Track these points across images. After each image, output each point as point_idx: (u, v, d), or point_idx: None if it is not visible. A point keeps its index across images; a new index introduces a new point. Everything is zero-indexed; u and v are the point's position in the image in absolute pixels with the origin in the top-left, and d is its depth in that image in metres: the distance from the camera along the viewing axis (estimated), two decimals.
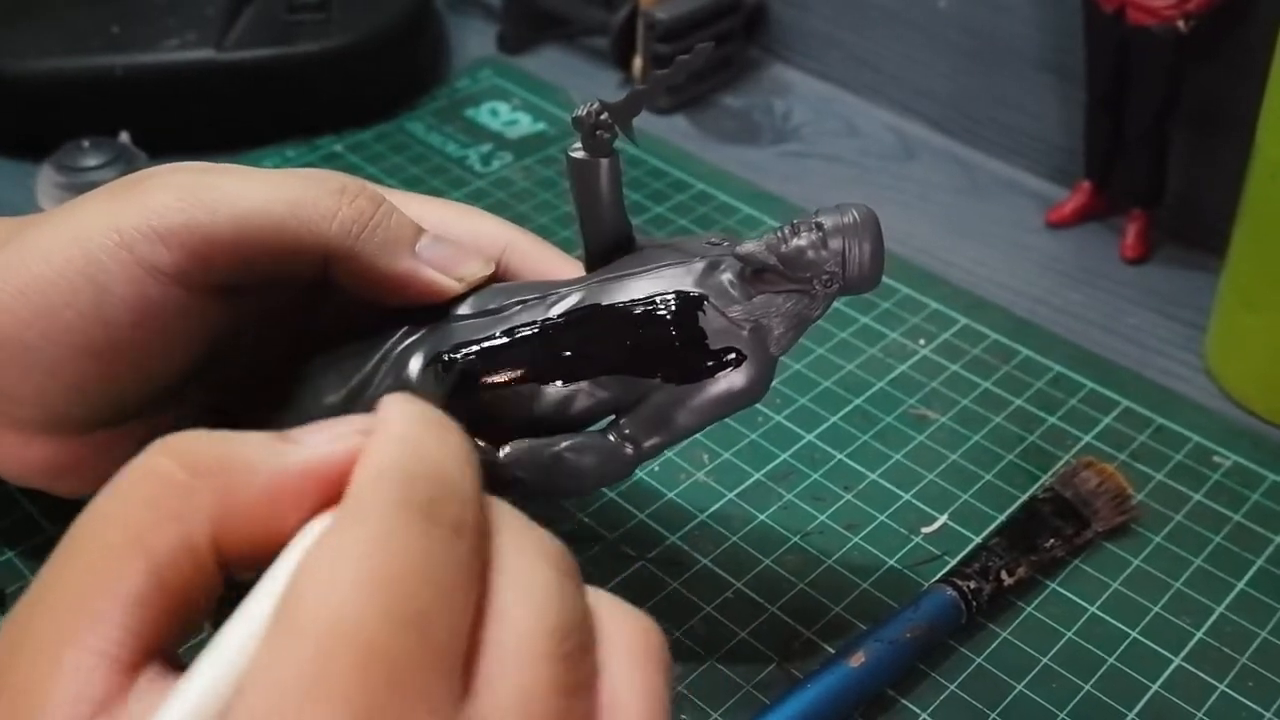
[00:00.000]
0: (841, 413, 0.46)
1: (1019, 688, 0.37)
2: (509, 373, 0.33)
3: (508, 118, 0.64)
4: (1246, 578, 0.40)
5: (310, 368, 0.36)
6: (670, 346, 0.33)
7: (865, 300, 0.51)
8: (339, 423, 0.24)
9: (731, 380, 0.33)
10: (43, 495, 0.37)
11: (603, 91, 0.65)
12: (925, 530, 0.42)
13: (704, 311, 0.33)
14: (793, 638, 0.38)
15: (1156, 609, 0.39)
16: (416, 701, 0.20)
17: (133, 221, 0.32)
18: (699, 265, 0.33)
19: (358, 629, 0.20)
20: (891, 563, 0.40)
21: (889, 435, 0.45)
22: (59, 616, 0.21)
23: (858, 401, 0.47)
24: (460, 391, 0.33)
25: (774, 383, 0.34)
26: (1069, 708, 0.36)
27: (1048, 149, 0.60)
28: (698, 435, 0.34)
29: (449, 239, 0.35)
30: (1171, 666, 0.38)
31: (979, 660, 0.38)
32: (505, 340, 0.33)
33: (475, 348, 0.33)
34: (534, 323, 0.33)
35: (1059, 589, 0.40)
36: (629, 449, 0.33)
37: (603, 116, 0.33)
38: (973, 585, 0.38)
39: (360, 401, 0.34)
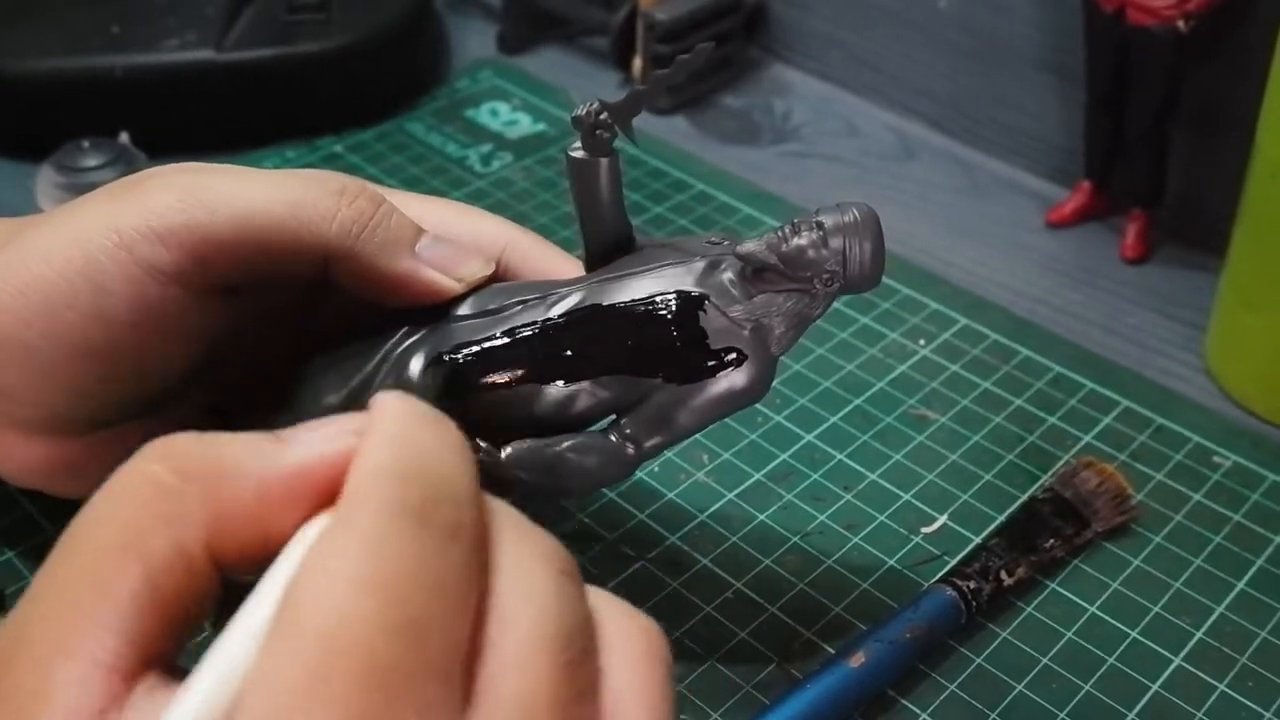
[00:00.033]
0: (841, 413, 0.46)
1: (1019, 688, 0.37)
2: (510, 373, 0.33)
3: (508, 118, 0.64)
4: (1246, 578, 0.40)
5: (310, 368, 0.35)
6: (671, 346, 0.33)
7: (865, 300, 0.51)
8: (332, 422, 0.23)
9: (732, 380, 0.33)
10: (43, 495, 0.37)
11: (603, 92, 0.65)
12: (925, 530, 0.42)
13: (705, 311, 0.33)
14: (793, 638, 0.38)
15: (1156, 609, 0.39)
16: (415, 707, 0.20)
17: (132, 222, 0.32)
18: (700, 265, 0.33)
19: (354, 635, 0.20)
20: (891, 563, 0.40)
21: (889, 435, 0.45)
22: (53, 625, 0.21)
23: (858, 402, 0.47)
24: (454, 390, 0.33)
25: (774, 383, 0.34)
26: (1069, 708, 0.36)
27: (1048, 149, 0.60)
28: (698, 435, 0.34)
29: (449, 239, 0.35)
30: (1171, 667, 0.38)
31: (979, 660, 0.38)
32: (506, 340, 0.33)
33: (476, 348, 0.33)
34: (535, 323, 0.33)
35: (1059, 589, 0.40)
36: (630, 449, 0.33)
37: (603, 116, 0.33)
38: (973, 585, 0.38)
39: (361, 402, 0.33)
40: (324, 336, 0.36)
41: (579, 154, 0.33)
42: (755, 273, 0.33)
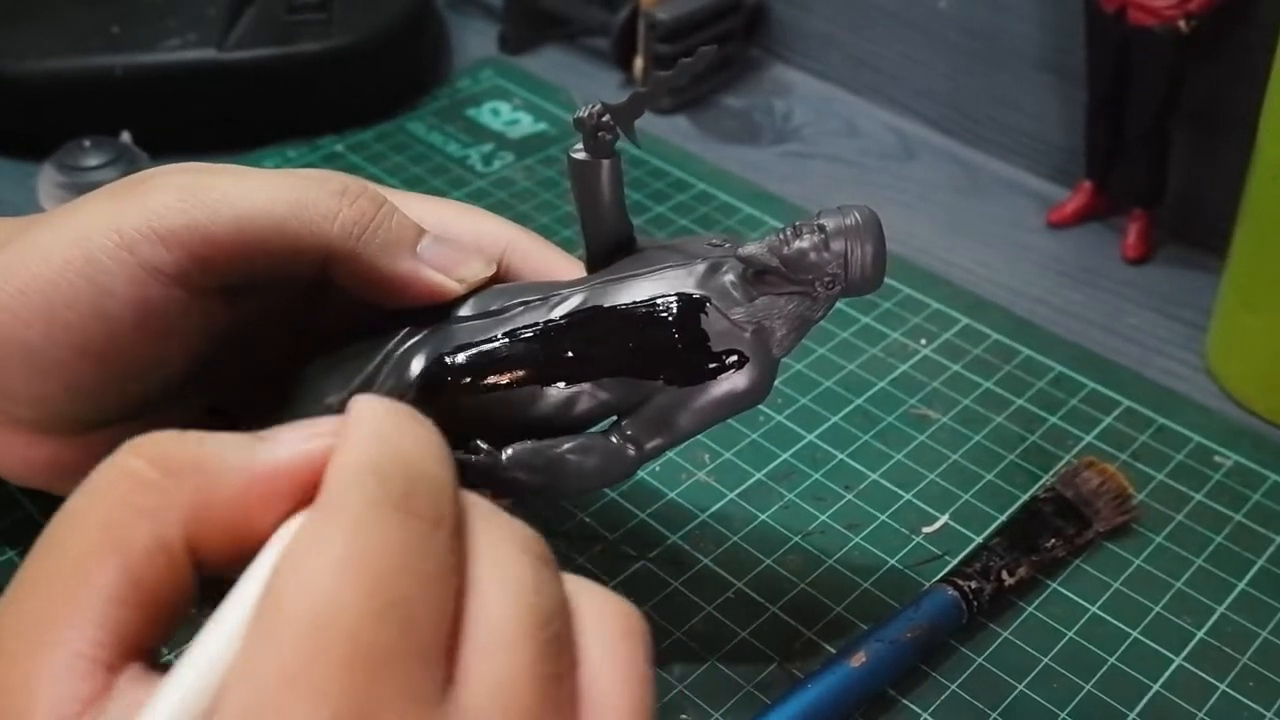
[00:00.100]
0: (842, 413, 0.46)
1: (1020, 688, 0.37)
2: (511, 374, 0.33)
3: (509, 118, 0.64)
4: (1247, 578, 0.40)
5: (311, 369, 0.35)
6: (672, 348, 0.33)
7: (866, 300, 0.51)
8: (313, 423, 0.24)
9: (734, 382, 0.33)
10: (43, 495, 0.37)
11: (603, 92, 0.65)
12: (926, 530, 0.42)
13: (706, 313, 0.33)
14: (794, 637, 0.38)
15: (1157, 609, 0.39)
16: (398, 692, 0.20)
17: (133, 222, 0.32)
18: (701, 267, 0.33)
19: (338, 621, 0.20)
20: (892, 562, 0.41)
21: (890, 435, 0.45)
22: (36, 618, 0.21)
23: (859, 401, 0.47)
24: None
25: (775, 383, 0.34)
26: (1070, 708, 0.36)
27: (1048, 149, 0.60)
28: (699, 436, 0.34)
29: (450, 240, 0.35)
30: (1172, 666, 0.38)
31: (980, 660, 0.38)
32: (507, 341, 0.33)
33: (476, 349, 0.33)
34: (536, 324, 0.33)
35: (1060, 589, 0.40)
36: (631, 450, 0.33)
37: (605, 118, 0.33)
38: (974, 585, 0.38)
39: None
40: (324, 337, 0.36)
41: (581, 155, 0.33)
42: (756, 275, 0.33)
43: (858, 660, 0.35)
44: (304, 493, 0.23)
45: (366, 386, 0.34)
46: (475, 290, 0.35)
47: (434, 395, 0.33)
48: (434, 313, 0.34)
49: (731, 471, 0.44)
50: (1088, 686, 0.37)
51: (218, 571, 0.23)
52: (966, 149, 0.63)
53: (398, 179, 0.59)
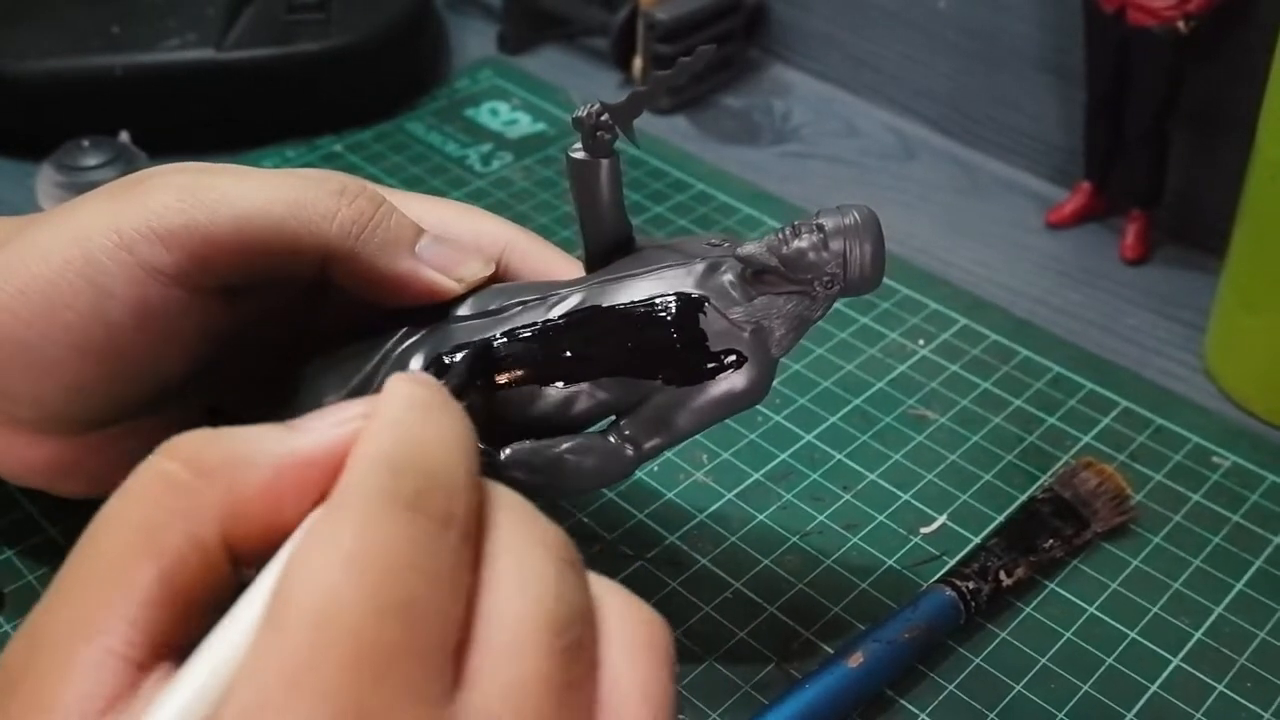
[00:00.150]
0: (841, 413, 0.46)
1: (1018, 688, 0.37)
2: (509, 374, 0.33)
3: (508, 118, 0.64)
4: (1245, 578, 0.40)
5: (310, 368, 0.36)
6: (671, 348, 0.33)
7: (865, 300, 0.51)
8: (343, 407, 0.24)
9: (732, 382, 0.33)
10: (43, 495, 0.37)
11: (603, 92, 0.65)
12: (924, 530, 0.42)
13: (705, 313, 0.33)
14: (792, 638, 0.38)
15: (1155, 609, 0.39)
16: (403, 692, 0.20)
17: (133, 222, 0.32)
18: (700, 267, 0.33)
19: (341, 620, 0.20)
20: (890, 563, 0.41)
21: (888, 435, 0.45)
22: (72, 617, 0.21)
23: (857, 402, 0.47)
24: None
25: (773, 383, 0.34)
26: (1068, 708, 0.36)
27: (1048, 149, 0.60)
28: (697, 435, 0.34)
29: (449, 239, 0.35)
30: (1170, 667, 0.38)
31: (978, 661, 0.38)
32: (505, 341, 0.33)
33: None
34: (534, 324, 0.33)
35: (1058, 589, 0.40)
36: (629, 450, 0.33)
37: (603, 118, 0.33)
38: (971, 585, 0.38)
39: None
40: (324, 336, 0.36)
41: (579, 155, 0.33)
42: (755, 275, 0.33)
43: (855, 660, 0.35)
44: (334, 481, 0.23)
45: (365, 386, 0.34)
46: (474, 290, 0.35)
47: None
48: (432, 312, 0.34)
49: (730, 472, 0.44)
50: (1085, 687, 0.37)
51: (255, 565, 0.23)
52: (966, 149, 0.63)
53: (397, 179, 0.59)
